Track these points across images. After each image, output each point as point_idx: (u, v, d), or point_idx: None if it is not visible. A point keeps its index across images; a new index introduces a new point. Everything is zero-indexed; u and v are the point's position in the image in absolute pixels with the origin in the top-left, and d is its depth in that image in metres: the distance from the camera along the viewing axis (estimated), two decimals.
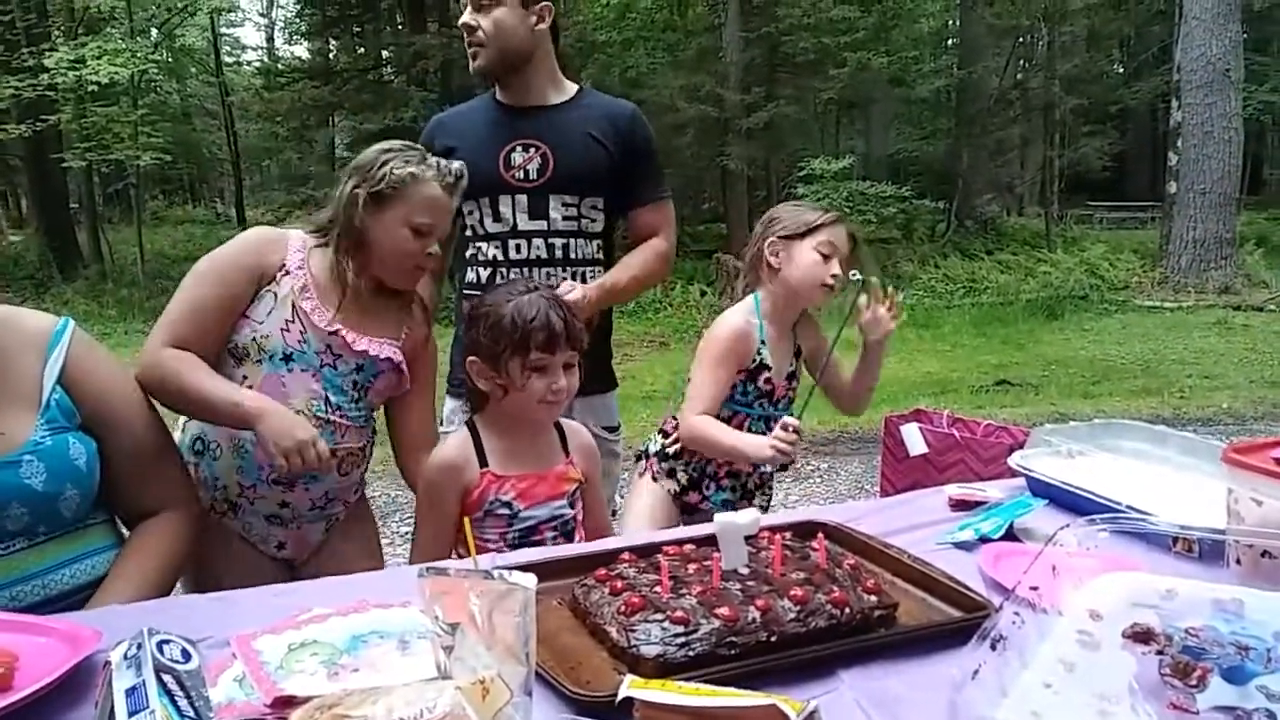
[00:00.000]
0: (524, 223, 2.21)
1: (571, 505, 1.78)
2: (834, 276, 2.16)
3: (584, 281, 2.19)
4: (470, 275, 2.27)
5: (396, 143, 1.86)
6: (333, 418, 1.79)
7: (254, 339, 1.74)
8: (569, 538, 1.77)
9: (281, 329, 1.74)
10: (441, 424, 2.21)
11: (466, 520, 1.27)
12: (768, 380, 2.18)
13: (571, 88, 2.32)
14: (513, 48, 2.21)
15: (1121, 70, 22.89)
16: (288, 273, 1.77)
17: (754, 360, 2.16)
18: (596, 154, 2.22)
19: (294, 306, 1.75)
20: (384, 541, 2.32)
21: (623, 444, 2.45)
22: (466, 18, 2.20)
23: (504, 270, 2.21)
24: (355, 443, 1.85)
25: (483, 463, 1.73)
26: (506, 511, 1.71)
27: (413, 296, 1.93)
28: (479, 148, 2.22)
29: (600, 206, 2.26)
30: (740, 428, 2.18)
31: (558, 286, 2.02)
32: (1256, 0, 16.16)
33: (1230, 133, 12.10)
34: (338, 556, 1.89)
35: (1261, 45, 19.37)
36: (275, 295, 1.76)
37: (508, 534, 1.71)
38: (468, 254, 2.29)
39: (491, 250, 2.23)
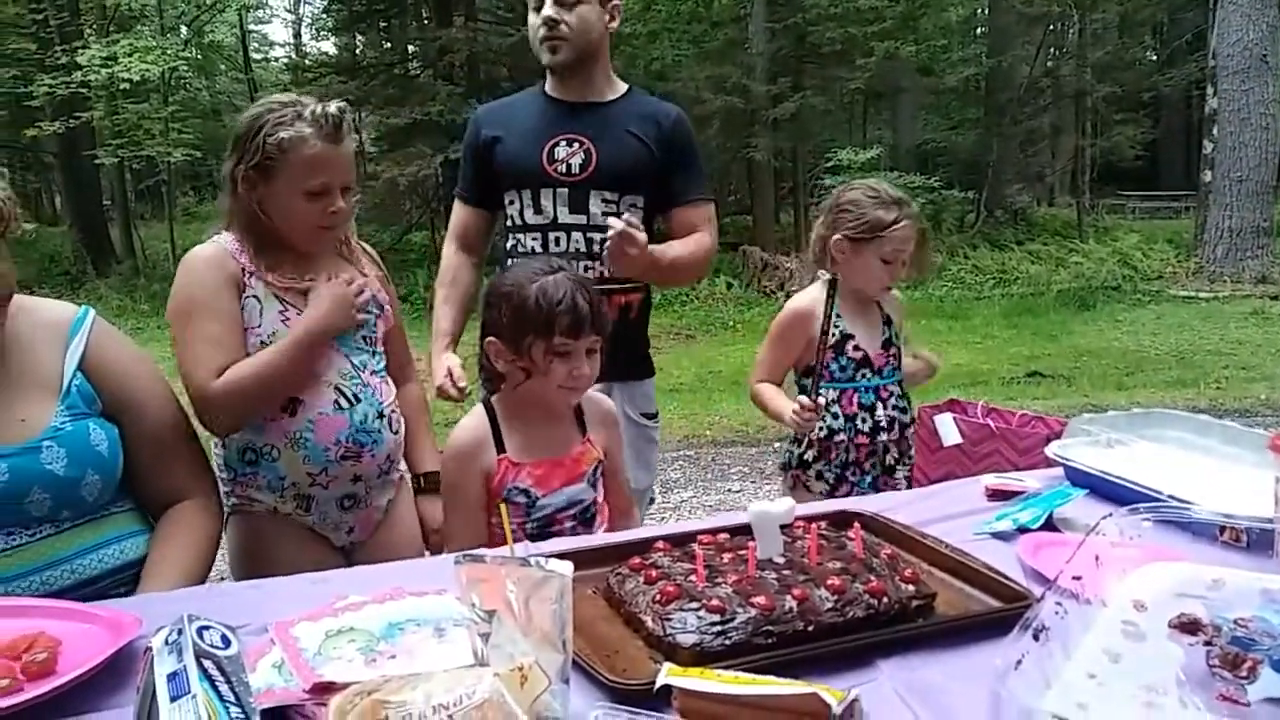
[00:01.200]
0: (564, 216, 2.23)
1: (593, 486, 1.76)
2: (891, 280, 2.26)
3: (622, 276, 2.21)
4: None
5: (271, 100, 1.76)
6: (366, 379, 1.82)
7: (261, 342, 1.73)
8: (589, 525, 1.75)
9: (281, 321, 1.75)
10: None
11: (503, 506, 1.26)
12: (856, 348, 2.24)
13: (621, 87, 2.35)
14: (591, 43, 2.24)
15: (1155, 57, 22.51)
16: (253, 273, 1.75)
17: (833, 334, 2.22)
18: (639, 152, 2.24)
19: (278, 297, 1.75)
20: None
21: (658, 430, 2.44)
22: (550, 11, 2.19)
23: None
24: (390, 396, 1.87)
25: (500, 448, 1.71)
26: (524, 499, 1.70)
27: (348, 245, 1.91)
28: (523, 140, 2.26)
29: (640, 205, 2.27)
30: (851, 404, 2.25)
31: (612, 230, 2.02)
32: None
33: (1267, 119, 11.86)
34: (392, 536, 1.91)
35: None
36: (257, 298, 1.75)
37: (526, 524, 1.69)
38: (508, 245, 2.32)
39: (531, 242, 2.26)
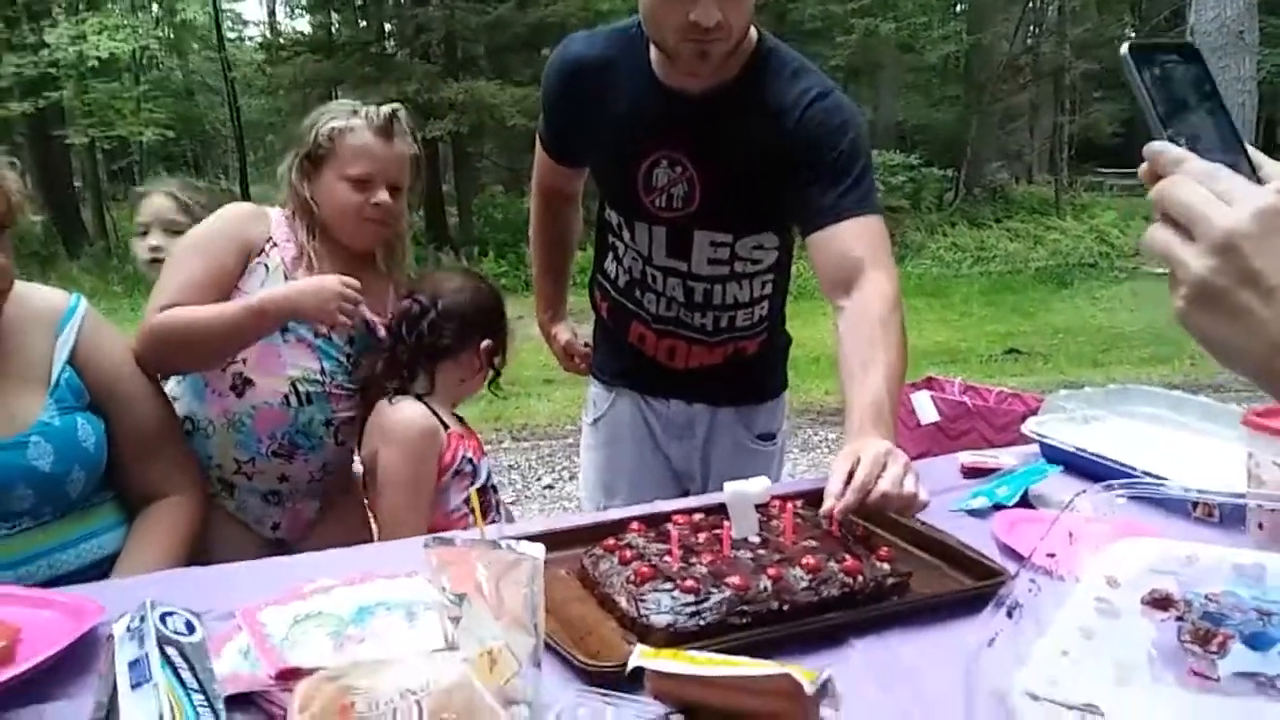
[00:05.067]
0: (660, 257, 1.76)
1: None
2: None
3: (730, 326, 1.81)
4: (609, 266, 1.90)
5: (332, 105, 1.83)
6: (329, 387, 1.78)
7: None
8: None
9: None
10: (585, 410, 2.06)
11: (473, 492, 1.26)
12: None
13: (750, 45, 1.63)
14: (746, 29, 1.59)
15: (1134, 34, 22.59)
16: (275, 244, 1.75)
17: None
18: (755, 174, 1.63)
19: (286, 278, 1.73)
20: None
21: (779, 450, 2.01)
22: (710, 16, 1.45)
23: (638, 290, 1.84)
24: (349, 411, 1.83)
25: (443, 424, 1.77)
26: (470, 469, 1.76)
27: (393, 277, 1.89)
28: (617, 146, 1.71)
29: (767, 244, 1.75)
30: None
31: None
32: None
33: (1244, 96, 11.87)
34: (329, 536, 1.82)
35: (1276, 8, 19.03)
36: (266, 267, 1.73)
37: (466, 492, 1.74)
38: (608, 239, 1.88)
39: (629, 260, 1.83)
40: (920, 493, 1.27)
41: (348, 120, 1.75)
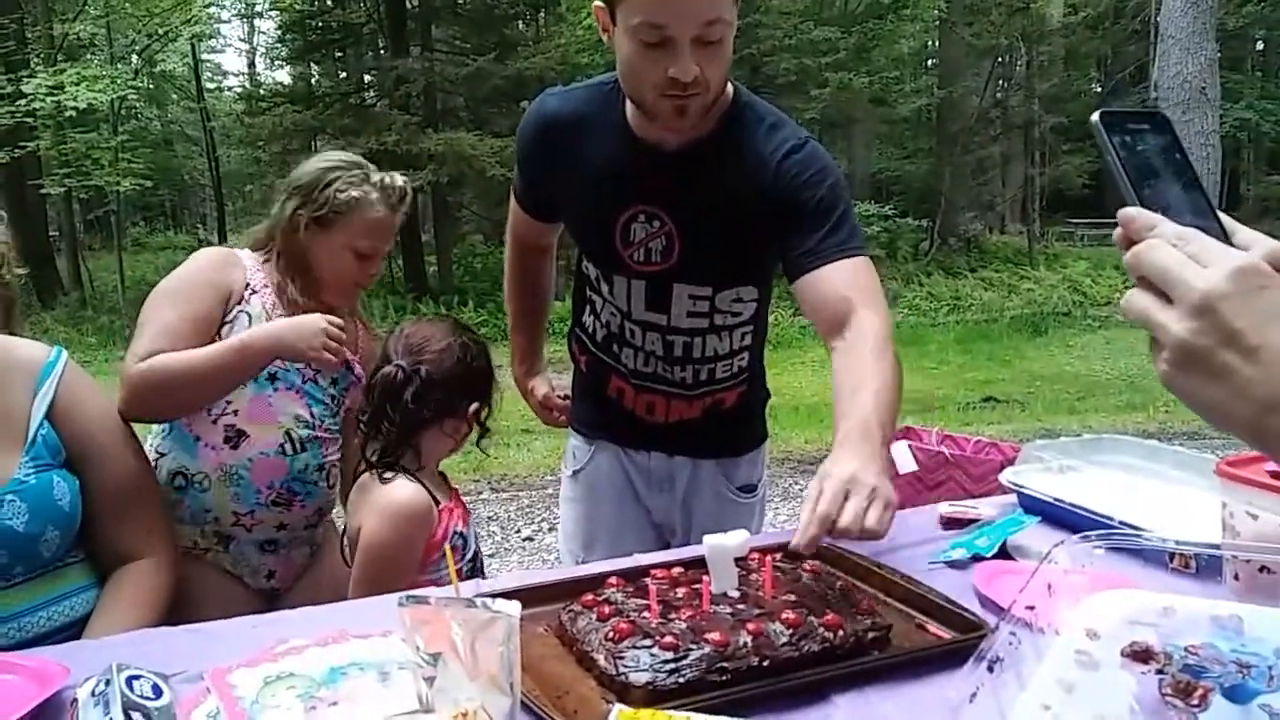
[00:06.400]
0: (639, 311, 1.75)
1: None
2: None
3: (709, 379, 1.81)
4: (587, 320, 1.89)
5: (337, 157, 1.83)
6: (318, 432, 1.79)
7: None
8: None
9: None
10: (565, 461, 2.03)
11: (448, 548, 1.24)
12: None
13: (726, 99, 1.64)
14: (724, 85, 1.60)
15: (1100, 89, 23.17)
16: (255, 291, 1.75)
17: None
18: (735, 227, 1.64)
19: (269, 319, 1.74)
20: None
21: (760, 502, 2.00)
22: (692, 69, 1.45)
23: (616, 345, 1.83)
24: (336, 454, 1.85)
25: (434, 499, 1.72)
26: (461, 542, 1.71)
27: (355, 311, 1.96)
28: (594, 201, 1.70)
29: (746, 296, 1.75)
30: None
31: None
32: (1230, 20, 16.42)
33: (1208, 149, 12.21)
34: (318, 582, 1.86)
35: (1236, 64, 19.67)
36: (249, 315, 1.72)
37: (461, 566, 1.68)
38: (586, 292, 1.86)
39: (607, 316, 1.82)
40: (879, 526, 1.28)
41: (362, 189, 1.76)
